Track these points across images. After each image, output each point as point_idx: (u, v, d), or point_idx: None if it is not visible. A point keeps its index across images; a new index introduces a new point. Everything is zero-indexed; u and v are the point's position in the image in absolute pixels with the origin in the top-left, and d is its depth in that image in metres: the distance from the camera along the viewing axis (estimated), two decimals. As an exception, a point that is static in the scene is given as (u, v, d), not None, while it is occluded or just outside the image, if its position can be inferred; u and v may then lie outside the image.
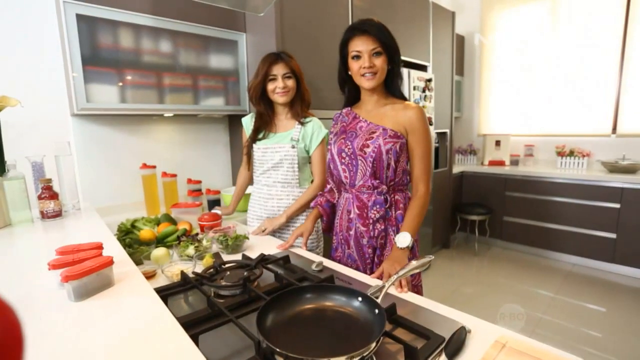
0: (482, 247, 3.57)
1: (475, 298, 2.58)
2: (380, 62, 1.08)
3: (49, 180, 1.26)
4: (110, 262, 0.67)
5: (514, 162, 3.65)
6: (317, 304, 0.71)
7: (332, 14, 2.10)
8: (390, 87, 1.16)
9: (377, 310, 0.67)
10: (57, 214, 1.27)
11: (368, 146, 1.10)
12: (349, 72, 1.15)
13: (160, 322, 0.56)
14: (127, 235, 1.33)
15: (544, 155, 3.57)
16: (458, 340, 0.68)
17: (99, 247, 0.76)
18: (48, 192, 1.24)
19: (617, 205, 2.80)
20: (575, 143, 3.34)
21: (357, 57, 1.09)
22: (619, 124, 3.11)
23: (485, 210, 3.41)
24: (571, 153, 3.28)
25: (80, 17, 1.50)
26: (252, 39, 1.99)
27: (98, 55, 1.56)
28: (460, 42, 3.87)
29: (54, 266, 0.65)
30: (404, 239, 1.01)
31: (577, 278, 2.87)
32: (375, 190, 1.13)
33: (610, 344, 2.03)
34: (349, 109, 1.24)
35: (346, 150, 1.15)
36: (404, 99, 1.18)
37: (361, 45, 1.08)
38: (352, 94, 1.23)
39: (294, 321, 0.67)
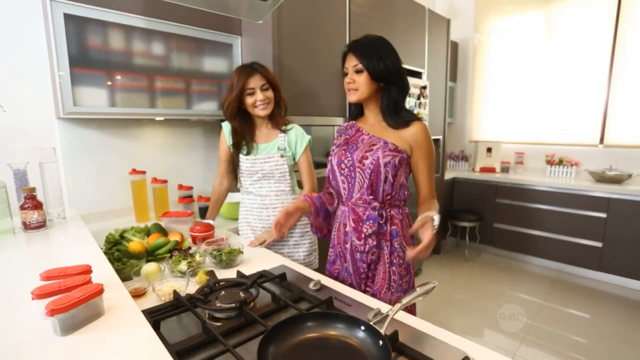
0: (473, 254, 3.61)
1: (466, 304, 2.59)
2: (361, 79, 1.10)
3: (32, 190, 1.20)
4: (100, 291, 0.63)
5: (505, 169, 3.69)
6: (320, 332, 0.68)
7: (329, 20, 2.07)
8: (385, 110, 1.13)
9: (381, 342, 0.65)
10: (41, 225, 1.21)
11: (367, 158, 1.10)
12: None
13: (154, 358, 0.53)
14: (116, 247, 1.28)
15: (534, 163, 3.62)
16: (463, 371, 0.67)
17: (87, 271, 0.71)
18: (31, 202, 1.18)
19: (604, 215, 2.86)
20: (564, 152, 3.39)
21: (345, 73, 1.14)
22: (606, 134, 3.17)
23: (476, 217, 3.44)
24: (560, 162, 3.33)
25: (68, 17, 1.43)
26: (247, 42, 1.94)
27: (86, 57, 1.50)
28: (454, 49, 3.89)
29: (38, 296, 0.61)
30: (437, 218, 1.00)
31: (564, 285, 2.92)
32: (369, 206, 1.13)
33: (594, 350, 2.07)
34: (353, 122, 1.24)
35: (345, 161, 1.15)
36: (407, 119, 1.13)
37: (347, 63, 1.13)
38: (356, 109, 1.24)
39: (296, 353, 0.64)
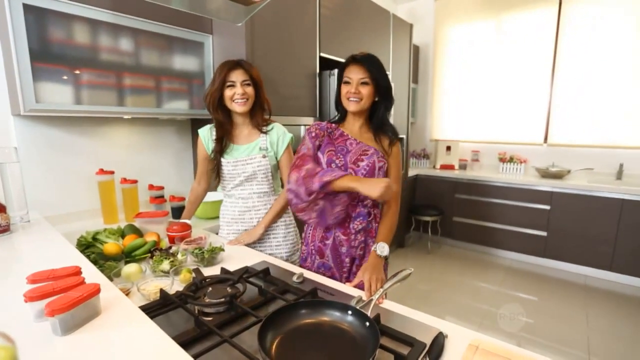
0: (435, 246, 3.83)
1: (429, 294, 2.77)
2: (366, 90, 1.17)
3: (-5, 192, 1.13)
4: (97, 291, 0.63)
5: (463, 167, 3.95)
6: (314, 319, 0.74)
7: (300, 22, 2.11)
8: (373, 120, 1.25)
9: (367, 323, 0.72)
10: (5, 229, 1.15)
11: (362, 160, 1.19)
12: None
13: (166, 353, 0.55)
14: (89, 249, 1.24)
15: (488, 160, 3.92)
16: (438, 345, 0.76)
17: (78, 272, 0.71)
18: (-6, 205, 1.11)
19: (548, 207, 3.18)
20: (514, 150, 3.72)
21: (348, 82, 1.19)
22: (549, 134, 3.52)
23: (437, 212, 3.66)
24: (511, 159, 3.64)
25: (27, 8, 1.35)
26: (219, 41, 1.93)
27: (49, 51, 1.42)
28: (415, 52, 4.09)
29: (31, 298, 0.60)
30: (383, 248, 1.12)
31: (515, 272, 3.21)
32: (360, 203, 1.21)
33: (541, 329, 2.32)
34: (335, 125, 1.28)
35: (337, 161, 1.20)
36: (389, 133, 1.26)
37: (353, 73, 1.18)
38: (341, 115, 1.31)
39: (295, 338, 0.69)
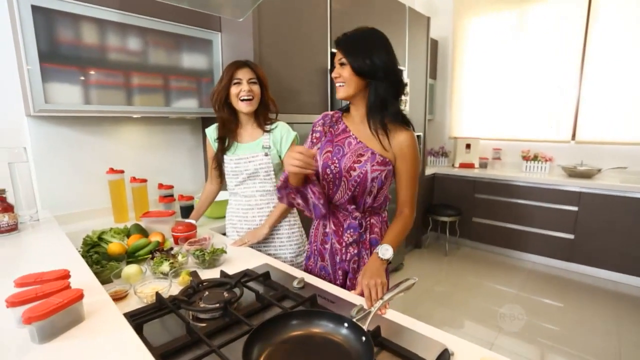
0: (452, 247, 3.70)
1: (446, 297, 2.67)
2: (345, 72, 1.03)
3: (3, 191, 1.15)
4: (80, 297, 0.61)
5: (483, 165, 3.80)
6: (304, 330, 0.69)
7: (310, 17, 2.06)
8: (372, 108, 1.05)
9: (364, 338, 0.66)
10: (13, 228, 1.16)
11: (355, 169, 1.06)
12: None
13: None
14: (94, 249, 1.24)
15: (511, 159, 3.74)
16: (442, 363, 0.69)
17: (66, 275, 0.69)
18: (1, 204, 1.13)
19: (575, 208, 2.99)
20: (539, 148, 3.52)
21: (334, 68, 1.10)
22: (577, 131, 3.31)
23: (455, 212, 3.53)
24: (535, 158, 3.46)
25: (36, 9, 1.36)
26: (227, 38, 1.91)
27: (58, 52, 1.44)
28: (433, 46, 3.96)
29: (12, 303, 0.59)
30: (386, 251, 1.01)
31: (538, 276, 3.05)
32: (351, 215, 1.12)
33: (567, 337, 2.18)
34: (340, 115, 1.18)
35: (332, 167, 1.11)
36: (399, 122, 1.07)
37: (336, 56, 1.08)
38: (346, 104, 1.19)
39: (281, 351, 0.64)
